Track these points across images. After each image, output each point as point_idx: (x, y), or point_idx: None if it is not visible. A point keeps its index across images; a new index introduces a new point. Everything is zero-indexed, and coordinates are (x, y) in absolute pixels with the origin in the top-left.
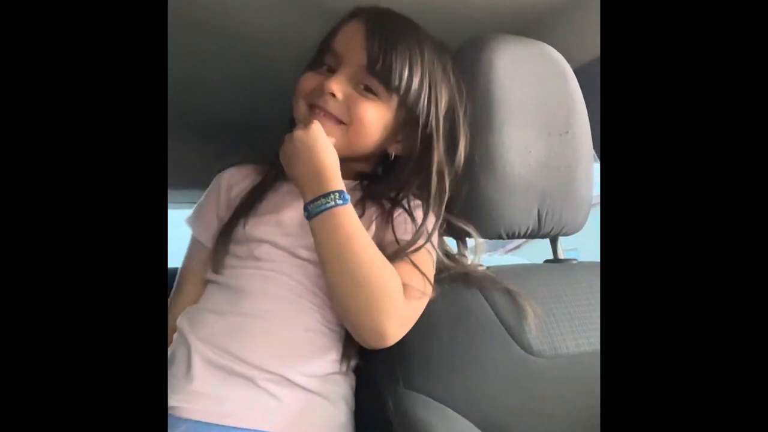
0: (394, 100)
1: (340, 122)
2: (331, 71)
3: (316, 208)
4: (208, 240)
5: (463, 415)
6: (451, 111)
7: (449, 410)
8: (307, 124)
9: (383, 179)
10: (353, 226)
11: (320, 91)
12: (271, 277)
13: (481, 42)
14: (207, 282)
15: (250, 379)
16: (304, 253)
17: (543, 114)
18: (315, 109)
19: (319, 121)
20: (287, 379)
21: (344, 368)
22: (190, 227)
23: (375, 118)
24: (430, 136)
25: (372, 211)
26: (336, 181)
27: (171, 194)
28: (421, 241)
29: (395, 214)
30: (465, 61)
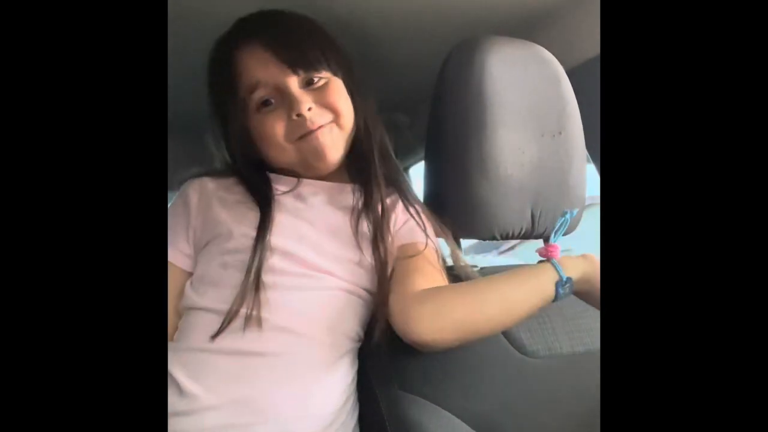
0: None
1: (331, 122)
2: (270, 102)
3: (566, 287)
4: (183, 260)
5: (457, 416)
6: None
7: (444, 411)
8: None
9: (360, 172)
10: (533, 309)
11: (296, 122)
12: (284, 300)
13: (473, 43)
14: (189, 310)
15: None
16: (318, 260)
17: (536, 115)
18: (304, 135)
19: (319, 137)
20: (312, 429)
21: (354, 383)
22: None
23: (340, 94)
24: (360, 104)
25: (389, 209)
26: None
27: (171, 196)
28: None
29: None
30: (457, 63)
